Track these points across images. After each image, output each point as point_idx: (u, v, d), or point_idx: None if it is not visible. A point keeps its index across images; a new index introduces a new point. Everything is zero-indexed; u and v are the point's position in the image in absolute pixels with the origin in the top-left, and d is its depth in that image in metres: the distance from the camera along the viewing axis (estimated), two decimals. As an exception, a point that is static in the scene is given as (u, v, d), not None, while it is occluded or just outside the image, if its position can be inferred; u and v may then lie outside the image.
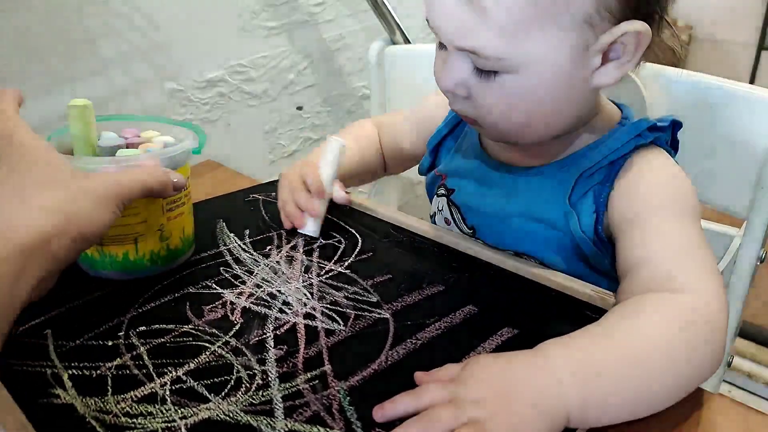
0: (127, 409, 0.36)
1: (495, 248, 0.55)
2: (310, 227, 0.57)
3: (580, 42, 0.43)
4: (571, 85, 0.45)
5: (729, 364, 0.69)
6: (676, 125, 0.51)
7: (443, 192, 0.60)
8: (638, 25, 0.42)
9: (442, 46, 0.49)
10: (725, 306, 0.39)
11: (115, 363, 0.40)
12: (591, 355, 0.36)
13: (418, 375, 0.38)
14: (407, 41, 0.95)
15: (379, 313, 0.46)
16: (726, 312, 0.39)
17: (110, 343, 0.42)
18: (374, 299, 0.47)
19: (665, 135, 0.50)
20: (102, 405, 0.36)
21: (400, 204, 1.03)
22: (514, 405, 0.33)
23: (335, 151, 0.58)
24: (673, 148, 0.51)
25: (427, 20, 0.47)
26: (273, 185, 0.71)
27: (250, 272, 0.52)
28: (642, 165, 0.48)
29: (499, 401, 0.33)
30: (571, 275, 0.50)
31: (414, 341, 0.42)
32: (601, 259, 0.50)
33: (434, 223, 0.63)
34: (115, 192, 0.40)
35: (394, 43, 0.94)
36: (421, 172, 0.66)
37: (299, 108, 1.01)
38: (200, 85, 0.86)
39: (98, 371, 0.39)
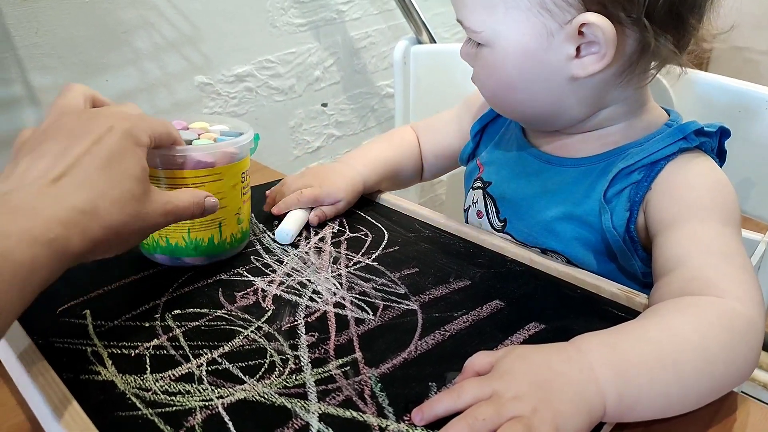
0: (166, 387, 0.37)
1: (521, 244, 0.55)
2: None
3: (542, 26, 0.46)
4: (541, 68, 0.48)
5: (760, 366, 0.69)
6: (723, 134, 0.51)
7: (479, 185, 0.61)
8: (591, 17, 0.43)
9: None
10: (764, 312, 0.39)
11: (152, 343, 0.41)
12: (627, 351, 0.36)
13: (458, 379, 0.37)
14: (433, 41, 0.95)
15: (407, 305, 0.46)
16: (764, 318, 0.39)
17: (147, 325, 0.43)
18: (402, 291, 0.48)
19: (711, 141, 0.50)
20: (141, 383, 0.37)
21: (420, 202, 1.04)
22: (555, 399, 0.33)
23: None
24: (719, 156, 0.51)
25: None
26: (299, 179, 0.73)
27: (280, 261, 0.53)
28: (686, 168, 0.48)
29: (539, 395, 0.33)
30: (601, 275, 0.50)
31: (442, 332, 0.43)
32: (630, 259, 0.50)
33: (467, 217, 0.64)
34: (155, 224, 0.40)
35: (420, 42, 0.95)
36: (462, 160, 0.67)
37: (324, 105, 1.02)
38: (229, 79, 0.87)
39: (136, 351, 0.41)
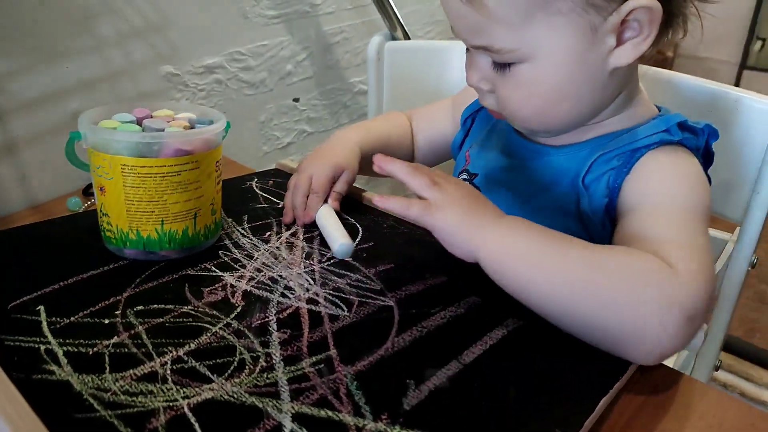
0: (127, 387, 0.35)
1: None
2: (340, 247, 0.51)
3: (586, 24, 0.43)
4: (587, 68, 0.46)
5: (717, 368, 0.70)
6: (711, 135, 0.50)
7: (465, 177, 0.60)
8: (644, 1, 0.43)
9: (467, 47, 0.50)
10: (701, 295, 0.38)
11: (112, 341, 0.39)
12: (534, 228, 0.42)
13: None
14: (407, 37, 0.94)
15: (383, 301, 0.45)
16: (702, 302, 0.38)
17: (107, 321, 0.41)
18: (378, 287, 0.47)
19: (696, 140, 0.49)
20: (100, 383, 0.35)
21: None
22: (463, 210, 0.43)
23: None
24: (706, 158, 0.50)
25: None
26: (270, 173, 0.70)
27: (250, 257, 0.50)
28: (662, 158, 0.47)
29: (456, 202, 0.43)
30: None
31: (420, 329, 0.42)
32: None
33: None
34: None
35: (394, 38, 0.94)
36: (453, 150, 0.66)
37: (296, 100, 1.00)
38: (197, 70, 0.84)
39: (95, 349, 0.38)
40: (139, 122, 0.50)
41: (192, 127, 0.50)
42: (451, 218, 0.43)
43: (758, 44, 2.47)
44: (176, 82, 0.82)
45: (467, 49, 0.50)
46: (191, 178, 0.47)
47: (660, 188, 0.46)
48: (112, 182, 0.46)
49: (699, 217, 0.44)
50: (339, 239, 0.51)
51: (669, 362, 0.49)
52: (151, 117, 0.51)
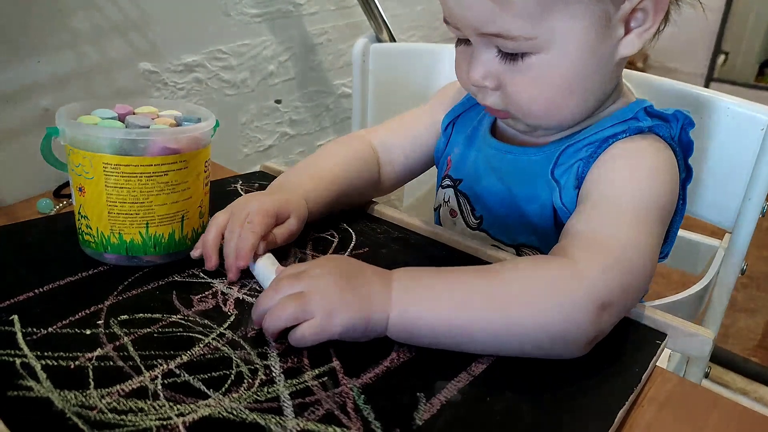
0: (114, 404, 0.32)
1: (494, 246, 0.53)
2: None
3: (602, 13, 0.43)
4: (598, 58, 0.45)
5: (706, 375, 0.70)
6: (687, 124, 0.48)
7: (449, 183, 0.58)
8: None
9: (460, 42, 0.49)
10: (611, 282, 0.38)
11: (95, 354, 0.36)
12: (424, 276, 0.39)
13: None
14: (393, 39, 0.93)
15: (384, 309, 0.43)
16: (612, 290, 0.37)
17: (88, 332, 0.38)
18: (377, 294, 0.45)
19: (669, 128, 0.48)
20: (84, 399, 0.32)
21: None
22: (342, 289, 0.37)
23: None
24: (686, 146, 0.49)
25: (445, 21, 0.47)
26: (255, 175, 0.68)
27: (240, 262, 0.48)
28: (624, 148, 0.46)
29: (329, 281, 0.37)
30: None
31: (425, 338, 0.40)
32: None
33: (438, 216, 0.61)
34: None
35: (380, 40, 0.92)
36: (436, 157, 0.62)
37: (278, 101, 0.97)
38: (177, 68, 0.81)
39: (76, 362, 0.35)
40: (120, 119, 0.47)
41: (178, 125, 0.47)
42: (341, 319, 0.36)
43: (722, 57, 2.56)
44: (154, 80, 0.79)
45: (462, 43, 0.48)
46: (179, 179, 0.45)
47: (612, 180, 0.45)
48: (92, 182, 0.43)
49: (645, 212, 0.42)
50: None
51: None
52: (134, 114, 0.48)
